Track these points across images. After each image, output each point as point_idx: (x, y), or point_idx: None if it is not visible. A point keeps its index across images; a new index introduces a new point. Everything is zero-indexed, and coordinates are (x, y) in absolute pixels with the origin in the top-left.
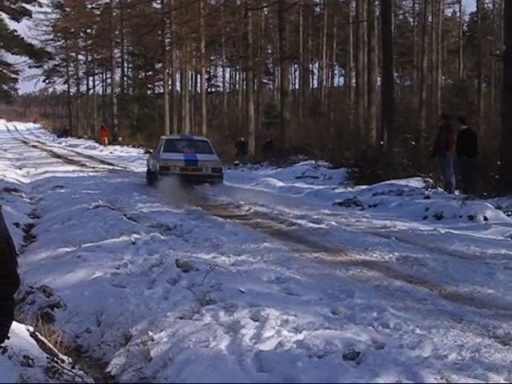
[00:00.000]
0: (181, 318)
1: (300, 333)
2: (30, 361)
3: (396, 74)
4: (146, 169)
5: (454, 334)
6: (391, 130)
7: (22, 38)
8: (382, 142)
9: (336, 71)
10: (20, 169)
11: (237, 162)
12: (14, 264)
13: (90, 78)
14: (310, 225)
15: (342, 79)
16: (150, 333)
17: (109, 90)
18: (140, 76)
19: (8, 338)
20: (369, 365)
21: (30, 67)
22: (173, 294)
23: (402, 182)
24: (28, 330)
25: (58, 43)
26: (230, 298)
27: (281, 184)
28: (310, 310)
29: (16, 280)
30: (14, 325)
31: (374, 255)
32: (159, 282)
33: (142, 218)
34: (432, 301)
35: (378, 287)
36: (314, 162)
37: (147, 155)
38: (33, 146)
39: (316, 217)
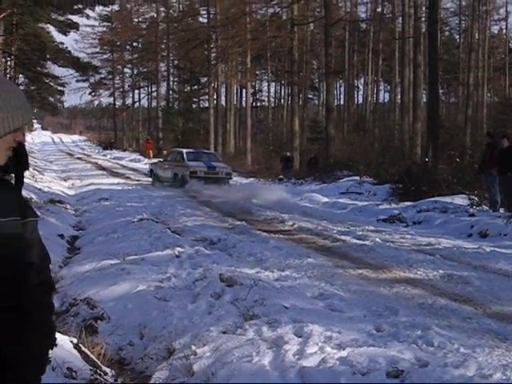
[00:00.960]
0: (224, 333)
1: (343, 349)
2: (74, 373)
3: (441, 91)
4: (152, 172)
5: (499, 353)
6: (436, 147)
7: (69, 51)
8: (426, 159)
9: (381, 87)
10: (65, 180)
11: (281, 176)
12: (49, 271)
13: (136, 91)
14: (355, 241)
15: (387, 95)
16: (193, 347)
17: (154, 104)
18: (185, 90)
19: (56, 345)
20: (412, 383)
21: (76, 80)
22: (216, 308)
23: (447, 199)
24: (71, 341)
25: (105, 56)
26: (274, 313)
27: (325, 199)
28: (353, 326)
29: (53, 287)
30: (58, 336)
31: (419, 273)
32: (203, 296)
33: (186, 232)
34: (477, 319)
35: (423, 305)
36: (358, 177)
37: (154, 162)
38: (78, 158)
39: (360, 233)
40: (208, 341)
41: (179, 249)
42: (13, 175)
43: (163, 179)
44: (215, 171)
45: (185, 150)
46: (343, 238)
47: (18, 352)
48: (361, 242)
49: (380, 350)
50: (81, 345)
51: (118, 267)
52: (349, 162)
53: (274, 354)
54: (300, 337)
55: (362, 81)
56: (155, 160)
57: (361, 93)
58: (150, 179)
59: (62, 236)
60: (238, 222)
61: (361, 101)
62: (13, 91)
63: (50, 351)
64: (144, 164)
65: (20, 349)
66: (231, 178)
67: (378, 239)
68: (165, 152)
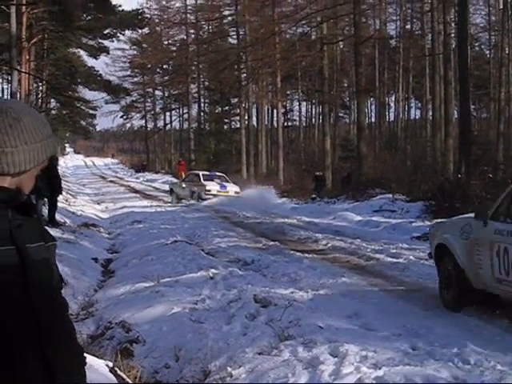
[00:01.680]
0: (259, 354)
1: (379, 369)
2: None
3: (473, 107)
4: (172, 191)
5: None
6: (469, 163)
7: (100, 75)
8: (459, 175)
9: (412, 104)
10: (98, 204)
11: (314, 196)
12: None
13: (167, 114)
14: (388, 259)
15: (418, 112)
16: (229, 369)
17: (186, 125)
18: (216, 111)
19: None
20: None
21: (107, 103)
22: (251, 329)
23: None
24: (107, 365)
25: (135, 79)
26: (309, 333)
27: (358, 218)
28: (389, 345)
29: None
30: (93, 360)
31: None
32: (238, 317)
33: (220, 253)
34: None
35: (458, 323)
36: (391, 195)
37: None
38: (111, 181)
39: (394, 251)
40: (243, 362)
41: (213, 270)
42: (46, 199)
43: (182, 196)
44: (226, 191)
45: (201, 172)
46: (377, 256)
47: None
48: (395, 260)
49: (416, 369)
50: (116, 368)
51: (152, 290)
52: (381, 179)
53: (309, 374)
54: (335, 357)
55: (393, 98)
56: (175, 181)
57: (392, 110)
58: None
59: (96, 259)
60: (272, 243)
61: (392, 118)
62: (41, 120)
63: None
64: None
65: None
66: (239, 195)
67: (411, 257)
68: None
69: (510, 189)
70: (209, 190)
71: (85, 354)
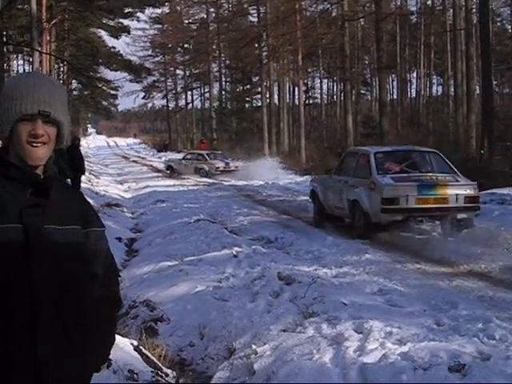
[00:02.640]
0: (284, 331)
1: (404, 345)
2: (135, 375)
3: (495, 82)
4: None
5: None
6: (491, 139)
7: (121, 55)
8: (482, 151)
9: (434, 80)
10: (121, 184)
11: None
12: (116, 285)
13: (189, 93)
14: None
15: (440, 88)
16: (254, 346)
17: (207, 104)
18: (238, 89)
19: (107, 361)
20: (475, 377)
21: (130, 82)
22: (275, 306)
23: (504, 190)
24: (132, 344)
25: (156, 59)
26: (333, 310)
27: None
28: (413, 321)
29: (119, 301)
30: (118, 339)
31: (478, 265)
32: (261, 295)
33: (243, 231)
34: None
35: (482, 298)
36: None
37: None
38: (133, 161)
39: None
40: (268, 339)
41: (237, 248)
42: (69, 180)
43: (183, 172)
44: (229, 166)
45: (204, 152)
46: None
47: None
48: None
49: (441, 345)
50: (141, 347)
51: (176, 268)
52: None
53: (334, 351)
54: (360, 333)
55: (415, 74)
56: (173, 158)
57: (414, 87)
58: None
59: (119, 239)
60: (295, 220)
61: (414, 95)
62: (33, 82)
63: (102, 365)
64: None
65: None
66: (238, 170)
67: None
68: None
69: (340, 158)
70: (218, 167)
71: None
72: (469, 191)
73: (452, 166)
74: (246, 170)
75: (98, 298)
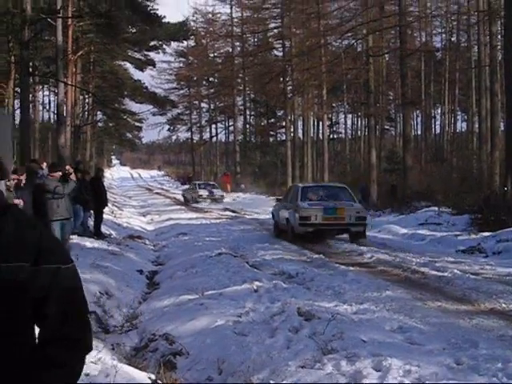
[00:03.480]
0: (302, 367)
1: None
2: None
3: None
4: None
5: None
6: None
7: (146, 87)
8: (505, 188)
9: (458, 116)
10: (144, 216)
11: None
12: (80, 325)
13: (213, 126)
14: (433, 272)
15: (464, 124)
16: (272, 382)
17: (231, 138)
18: (262, 123)
19: None
20: None
21: (153, 115)
22: (294, 342)
23: None
24: (150, 377)
25: (181, 91)
26: (352, 347)
27: (403, 231)
28: (433, 360)
29: (76, 344)
30: (136, 372)
31: (499, 304)
32: (281, 330)
33: (265, 266)
34: None
35: (503, 337)
36: (436, 208)
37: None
38: (156, 193)
39: (439, 264)
40: (286, 375)
41: (257, 283)
42: (92, 212)
43: (188, 199)
44: (213, 195)
45: (197, 182)
46: (422, 269)
47: None
48: (440, 274)
49: None
50: (159, 381)
51: (196, 302)
52: (427, 192)
53: None
54: (379, 371)
55: (439, 110)
56: (186, 187)
57: (438, 123)
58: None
59: (141, 271)
60: (316, 255)
61: (438, 130)
62: None
63: None
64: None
65: None
66: (223, 199)
67: (457, 270)
68: (242, 186)
69: (288, 189)
70: (200, 195)
71: None
72: (359, 213)
73: (353, 195)
74: (240, 201)
75: (47, 339)
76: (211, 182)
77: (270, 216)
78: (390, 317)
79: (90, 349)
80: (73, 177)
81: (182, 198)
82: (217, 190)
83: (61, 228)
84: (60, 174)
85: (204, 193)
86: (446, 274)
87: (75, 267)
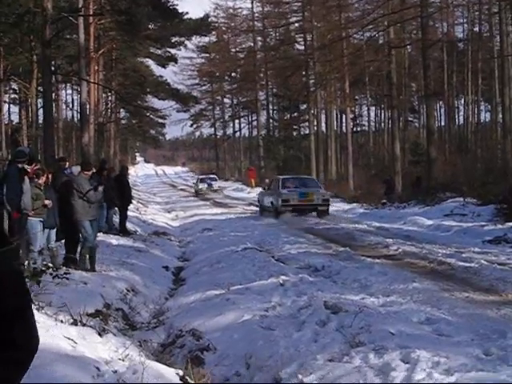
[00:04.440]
0: (330, 361)
1: (452, 375)
2: None
3: None
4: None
5: None
6: None
7: (169, 83)
8: None
9: (482, 107)
10: (169, 212)
11: (384, 201)
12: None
13: (236, 121)
14: (460, 263)
15: (488, 115)
16: (300, 376)
17: (255, 133)
18: (285, 117)
19: None
20: None
21: (177, 112)
22: (322, 336)
23: None
24: (177, 373)
25: (204, 87)
26: (380, 339)
27: (429, 222)
28: (461, 351)
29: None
30: (164, 368)
31: None
32: (308, 324)
33: (290, 260)
34: None
35: None
36: (461, 199)
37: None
38: (181, 190)
39: (465, 255)
40: (314, 369)
41: (283, 277)
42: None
43: (196, 190)
44: (212, 187)
45: (199, 177)
46: (448, 260)
47: None
48: (466, 265)
49: (489, 375)
50: (187, 377)
51: (222, 297)
52: (452, 183)
53: (381, 381)
54: (407, 363)
55: (462, 101)
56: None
57: (461, 113)
58: (250, 207)
59: (167, 268)
60: (342, 248)
61: (462, 121)
62: None
63: None
64: (247, 193)
65: None
66: (222, 189)
67: (483, 261)
68: (267, 180)
69: (270, 181)
70: (200, 188)
71: None
72: (323, 195)
73: (320, 184)
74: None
75: None
76: (211, 176)
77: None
78: (418, 308)
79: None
80: (101, 188)
81: (231, 202)
82: (215, 182)
83: (91, 227)
84: (92, 172)
85: (203, 186)
86: (472, 264)
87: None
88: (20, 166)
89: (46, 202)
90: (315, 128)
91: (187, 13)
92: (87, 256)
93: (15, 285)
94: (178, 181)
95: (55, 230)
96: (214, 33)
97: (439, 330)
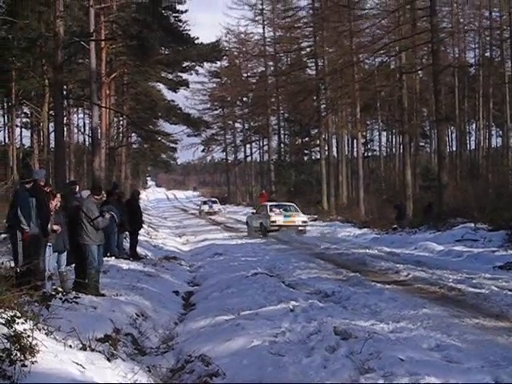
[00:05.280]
0: None
1: None
2: None
3: None
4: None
5: None
6: None
7: (180, 108)
8: None
9: (493, 132)
10: (180, 237)
11: (395, 226)
12: None
13: (247, 146)
14: (470, 289)
15: (499, 140)
16: None
17: (266, 157)
18: (296, 142)
19: None
20: None
21: (188, 136)
22: (331, 362)
23: None
24: None
25: (215, 112)
26: (390, 365)
27: (440, 248)
28: (471, 378)
29: None
30: None
31: None
32: (317, 350)
33: (300, 285)
34: None
35: None
36: (472, 224)
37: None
38: (192, 214)
39: (476, 281)
40: None
41: (293, 302)
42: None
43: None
44: (213, 209)
45: (203, 200)
46: (459, 286)
47: None
48: (477, 291)
49: None
50: None
51: (232, 323)
52: (463, 208)
53: None
54: None
55: (474, 126)
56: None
57: (473, 138)
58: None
59: (177, 292)
60: (352, 274)
61: (473, 146)
62: None
63: None
64: None
65: None
66: (220, 212)
67: (494, 287)
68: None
69: (258, 207)
70: (202, 210)
71: None
72: (302, 218)
73: (298, 209)
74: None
75: None
76: (213, 199)
77: (257, 225)
78: (427, 335)
79: None
80: (108, 215)
81: (211, 217)
82: (216, 204)
83: (98, 251)
84: (103, 197)
85: (205, 208)
86: (483, 290)
87: None
88: (28, 186)
89: (55, 227)
90: (326, 153)
91: (198, 38)
92: (97, 280)
93: None
94: (189, 205)
95: (65, 254)
96: (225, 58)
97: (449, 356)
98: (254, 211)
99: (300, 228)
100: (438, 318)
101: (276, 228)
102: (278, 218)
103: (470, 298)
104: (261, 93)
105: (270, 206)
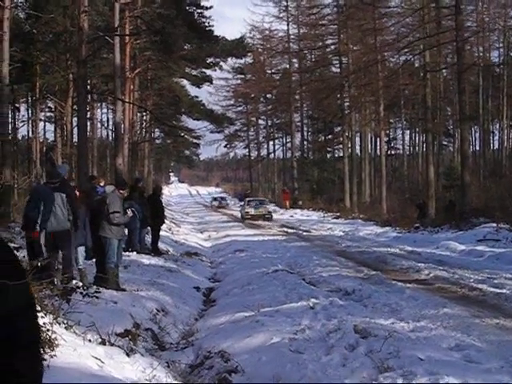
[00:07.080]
0: None
1: None
2: None
3: None
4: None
5: None
6: None
7: (203, 104)
8: None
9: None
10: (201, 232)
11: (417, 225)
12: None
13: (271, 143)
14: (492, 289)
15: None
16: None
17: (289, 154)
18: (319, 140)
19: None
20: None
21: (211, 132)
22: (350, 360)
23: None
24: None
25: (239, 108)
26: (409, 365)
27: (461, 247)
28: (490, 378)
29: None
30: None
31: None
32: (337, 348)
33: (321, 283)
34: None
35: None
36: (495, 224)
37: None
38: (214, 210)
39: (497, 281)
40: None
41: (314, 300)
42: (149, 228)
43: (212, 206)
44: (221, 203)
45: (214, 196)
46: (480, 286)
47: None
48: (498, 291)
49: None
50: None
51: (252, 319)
52: (485, 208)
53: None
54: None
55: (498, 126)
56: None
57: (496, 138)
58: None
59: (197, 288)
60: (373, 272)
61: (496, 146)
62: None
63: None
64: (280, 214)
65: None
66: (229, 205)
67: None
68: (300, 202)
69: (244, 201)
70: (213, 204)
71: None
72: (268, 210)
73: (268, 203)
74: (298, 218)
75: None
76: (223, 195)
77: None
78: (448, 334)
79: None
80: (130, 213)
81: (238, 214)
82: (225, 201)
83: (118, 246)
84: (127, 191)
85: (216, 203)
86: (504, 290)
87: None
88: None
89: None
90: (349, 150)
91: (221, 37)
92: (117, 274)
93: (27, 321)
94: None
95: (84, 248)
96: (249, 54)
97: (469, 356)
98: (243, 204)
99: (266, 216)
100: (459, 317)
101: (249, 217)
102: (250, 209)
103: (490, 299)
104: (284, 90)
105: (248, 200)
